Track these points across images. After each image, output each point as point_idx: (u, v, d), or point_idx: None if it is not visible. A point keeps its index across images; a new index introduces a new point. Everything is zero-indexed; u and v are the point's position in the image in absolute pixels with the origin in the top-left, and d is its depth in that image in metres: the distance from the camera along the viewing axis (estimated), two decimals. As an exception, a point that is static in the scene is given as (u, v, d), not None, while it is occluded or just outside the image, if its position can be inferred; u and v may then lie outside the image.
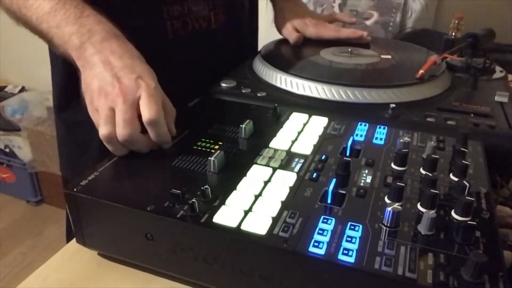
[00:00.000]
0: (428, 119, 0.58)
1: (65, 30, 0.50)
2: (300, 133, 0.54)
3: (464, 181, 0.42)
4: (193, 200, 0.39)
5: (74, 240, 0.46)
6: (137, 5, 0.65)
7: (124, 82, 0.47)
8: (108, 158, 0.48)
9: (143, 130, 0.47)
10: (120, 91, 0.46)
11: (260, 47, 0.85)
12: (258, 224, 0.38)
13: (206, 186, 0.41)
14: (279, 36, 0.93)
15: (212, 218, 0.39)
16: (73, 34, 0.49)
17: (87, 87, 0.48)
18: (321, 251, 0.35)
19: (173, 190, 0.40)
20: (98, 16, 0.51)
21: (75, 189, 0.42)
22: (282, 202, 0.41)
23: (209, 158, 0.45)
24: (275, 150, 0.50)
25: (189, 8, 0.68)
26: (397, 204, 0.39)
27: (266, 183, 0.44)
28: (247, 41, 0.87)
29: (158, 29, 0.67)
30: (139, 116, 0.47)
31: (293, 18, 0.85)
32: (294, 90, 0.65)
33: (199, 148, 0.50)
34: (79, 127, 0.68)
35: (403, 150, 0.47)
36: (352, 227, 0.38)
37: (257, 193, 0.42)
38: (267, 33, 1.42)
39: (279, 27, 0.87)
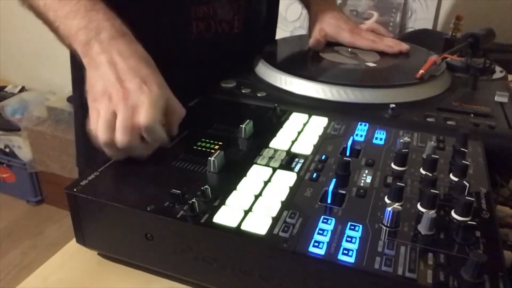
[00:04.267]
0: (428, 119, 0.58)
1: (73, 23, 0.49)
2: (300, 133, 0.54)
3: (464, 181, 0.42)
4: (193, 200, 0.39)
5: (74, 240, 0.46)
6: (167, 3, 0.64)
7: (127, 86, 0.46)
8: (108, 158, 0.48)
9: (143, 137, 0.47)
10: (123, 95, 0.46)
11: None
12: (258, 224, 0.38)
13: (206, 186, 0.41)
14: (279, 36, 0.93)
15: (212, 218, 0.39)
16: (81, 29, 0.48)
17: (91, 87, 0.48)
18: (321, 251, 0.35)
19: (173, 190, 0.41)
20: (108, 11, 0.50)
21: (75, 189, 0.42)
22: (282, 202, 0.41)
23: (209, 158, 0.45)
24: (275, 150, 0.50)
25: (214, 11, 0.68)
26: (397, 204, 0.39)
27: (266, 183, 0.44)
28: (264, 44, 0.85)
29: (184, 28, 0.67)
30: None
31: (326, 22, 0.81)
32: (294, 90, 0.65)
33: (199, 148, 0.50)
34: None
35: (403, 150, 0.47)
36: (352, 227, 0.38)
37: (257, 193, 0.42)
38: (267, 33, 1.42)
39: (311, 32, 0.83)
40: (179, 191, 0.40)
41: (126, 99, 0.46)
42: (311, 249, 0.36)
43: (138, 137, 0.46)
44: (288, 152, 0.50)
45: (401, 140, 0.49)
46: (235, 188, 0.43)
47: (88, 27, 0.48)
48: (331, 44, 0.82)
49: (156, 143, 0.48)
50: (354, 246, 0.36)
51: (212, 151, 0.49)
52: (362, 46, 0.79)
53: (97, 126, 0.47)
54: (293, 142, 0.52)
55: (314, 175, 0.45)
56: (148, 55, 0.50)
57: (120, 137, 0.45)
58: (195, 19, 0.67)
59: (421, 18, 1.31)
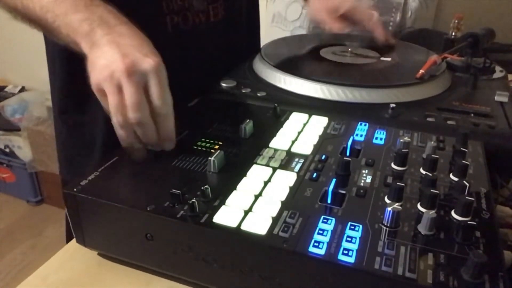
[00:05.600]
0: (428, 119, 0.58)
1: (74, 17, 0.49)
2: (300, 133, 0.54)
3: (464, 181, 0.42)
4: (193, 200, 0.39)
5: (74, 240, 0.46)
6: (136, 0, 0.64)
7: (130, 57, 0.45)
8: (108, 158, 0.48)
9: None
10: (125, 67, 0.45)
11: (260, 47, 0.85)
12: (258, 224, 0.38)
13: (206, 186, 0.41)
14: (279, 36, 0.93)
15: (212, 218, 0.39)
16: (83, 20, 0.48)
17: (93, 65, 0.47)
18: (321, 251, 0.35)
19: (173, 190, 0.40)
20: (107, 5, 0.50)
21: (75, 189, 0.42)
22: (282, 202, 0.41)
23: (209, 158, 0.45)
24: (275, 150, 0.50)
25: (189, 3, 0.68)
26: (397, 204, 0.39)
27: (266, 183, 0.44)
28: (246, 36, 0.86)
29: (158, 24, 0.66)
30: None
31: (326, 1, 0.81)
32: (294, 90, 0.65)
33: (199, 148, 0.50)
34: (81, 128, 0.67)
35: (403, 150, 0.47)
36: (352, 227, 0.38)
37: (257, 193, 0.42)
38: (267, 33, 1.42)
39: (313, 12, 0.84)
40: (179, 191, 0.40)
41: (129, 71, 0.45)
42: (311, 249, 0.36)
43: (149, 114, 0.46)
44: (288, 152, 0.50)
45: (401, 140, 0.49)
46: (235, 188, 0.43)
47: (90, 18, 0.48)
48: (331, 44, 0.82)
49: (166, 134, 0.48)
50: (354, 246, 0.36)
51: (212, 151, 0.49)
52: (358, 18, 0.80)
53: (108, 108, 0.46)
54: (293, 142, 0.52)
55: (314, 175, 0.45)
56: (149, 40, 0.49)
57: (132, 114, 0.45)
58: (169, 13, 0.67)
59: (421, 18, 1.31)
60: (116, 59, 0.45)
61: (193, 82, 0.65)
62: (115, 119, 0.46)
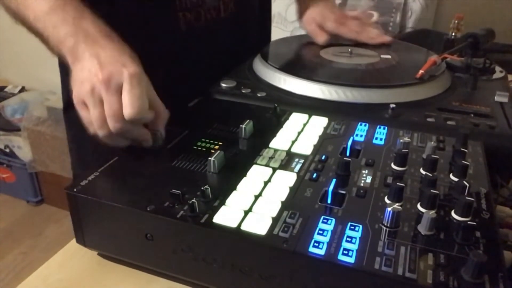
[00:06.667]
0: (428, 119, 0.58)
1: (61, 31, 0.50)
2: (300, 133, 0.54)
3: (464, 181, 0.42)
4: (193, 200, 0.39)
5: (74, 240, 0.46)
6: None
7: (107, 67, 0.46)
8: (108, 159, 0.48)
9: None
10: (103, 78, 0.46)
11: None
12: (258, 224, 0.38)
13: (206, 186, 0.41)
14: (279, 36, 0.93)
15: (212, 218, 0.39)
16: (69, 35, 0.49)
17: (74, 80, 0.49)
18: (321, 251, 0.35)
19: (173, 190, 0.41)
20: (95, 19, 0.51)
21: (75, 189, 0.42)
22: (282, 202, 0.41)
23: (209, 158, 0.45)
24: (275, 150, 0.50)
25: (203, 0, 0.69)
26: (397, 204, 0.39)
27: (266, 183, 0.44)
28: (257, 31, 0.86)
29: (170, 21, 0.67)
30: None
31: (314, 11, 0.84)
32: (294, 90, 0.65)
33: (199, 148, 0.50)
34: None
35: (403, 150, 0.47)
36: (352, 227, 0.38)
37: (257, 193, 0.42)
38: (267, 33, 1.42)
39: (304, 24, 0.86)
40: (179, 191, 0.40)
41: (107, 81, 0.46)
42: (311, 249, 0.36)
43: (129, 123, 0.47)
44: (288, 152, 0.50)
45: (401, 140, 0.49)
46: (235, 188, 0.43)
47: (76, 33, 0.49)
48: (331, 44, 0.82)
49: (138, 137, 0.48)
50: (354, 246, 0.36)
51: (212, 151, 0.49)
52: (345, 35, 0.81)
53: (91, 122, 0.47)
54: (293, 142, 0.52)
55: (314, 175, 0.45)
56: (133, 54, 0.50)
57: (113, 125, 0.46)
58: (181, 10, 0.67)
59: (421, 18, 1.31)
60: (95, 70, 0.46)
61: (204, 75, 0.65)
62: (101, 132, 0.47)
